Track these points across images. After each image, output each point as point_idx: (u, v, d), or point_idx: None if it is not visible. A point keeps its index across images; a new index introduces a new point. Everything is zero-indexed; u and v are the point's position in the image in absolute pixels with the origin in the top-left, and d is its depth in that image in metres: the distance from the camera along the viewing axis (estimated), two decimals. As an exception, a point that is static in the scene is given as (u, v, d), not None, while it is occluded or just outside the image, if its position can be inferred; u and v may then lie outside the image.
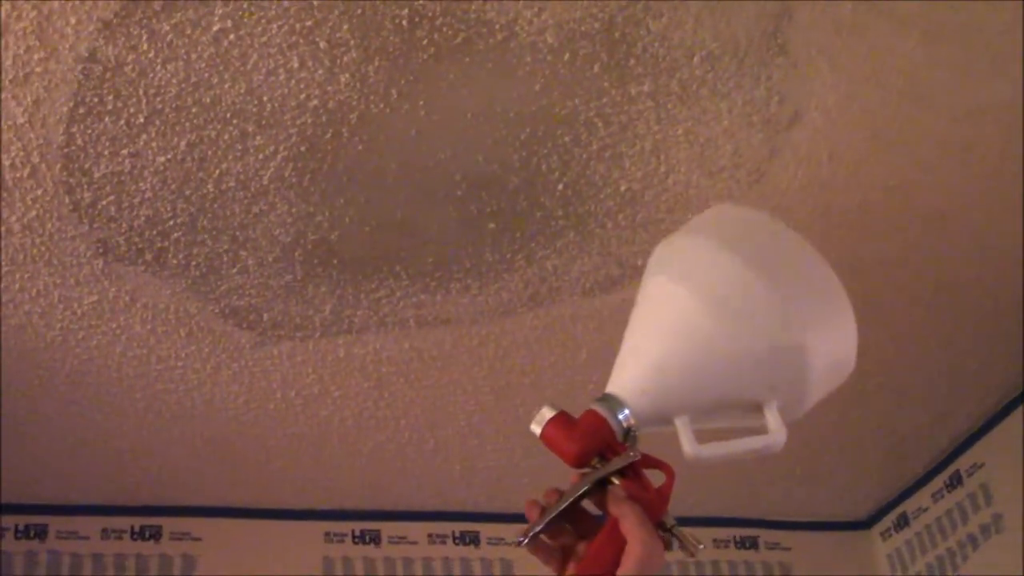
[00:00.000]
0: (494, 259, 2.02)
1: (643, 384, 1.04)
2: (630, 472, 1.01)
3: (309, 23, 1.52)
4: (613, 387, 1.06)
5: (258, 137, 1.69)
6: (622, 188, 1.89)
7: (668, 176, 1.88)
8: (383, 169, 1.78)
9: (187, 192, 1.77)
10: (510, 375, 2.33)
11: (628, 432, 1.03)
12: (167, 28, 1.50)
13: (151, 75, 1.56)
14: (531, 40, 1.59)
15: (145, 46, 1.52)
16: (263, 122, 1.66)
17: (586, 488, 1.01)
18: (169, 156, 1.70)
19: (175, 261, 1.90)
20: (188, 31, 1.51)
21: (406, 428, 2.44)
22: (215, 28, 1.51)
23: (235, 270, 1.95)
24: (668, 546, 1.01)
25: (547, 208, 1.92)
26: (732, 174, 1.89)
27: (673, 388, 1.04)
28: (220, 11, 1.49)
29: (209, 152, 1.70)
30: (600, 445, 1.02)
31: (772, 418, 1.03)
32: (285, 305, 2.05)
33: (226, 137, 1.68)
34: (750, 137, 1.83)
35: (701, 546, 1.01)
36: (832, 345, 1.05)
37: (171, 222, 1.82)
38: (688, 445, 1.02)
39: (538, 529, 1.00)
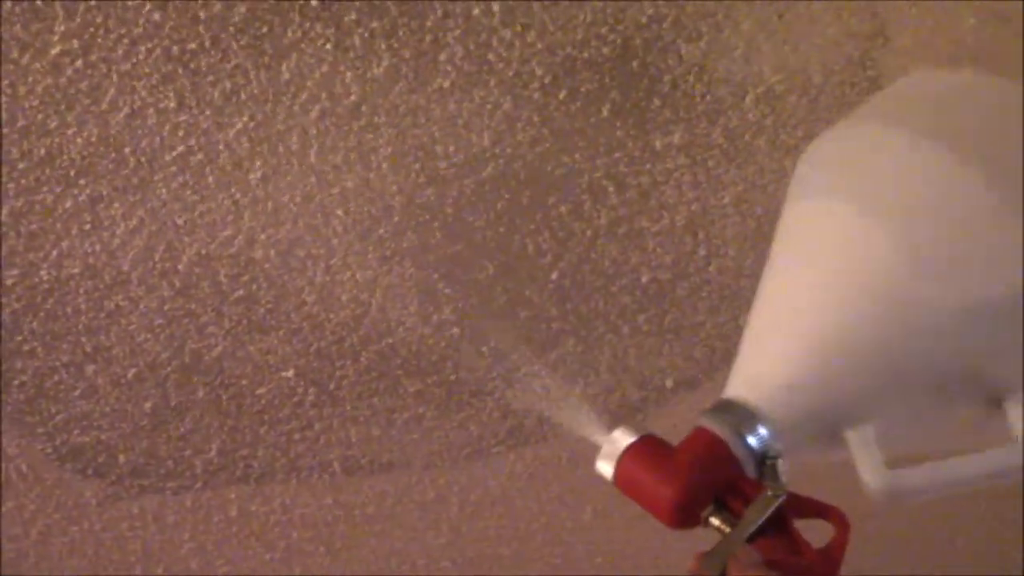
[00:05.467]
0: (457, 376, 2.02)
1: (791, 377, 0.94)
2: (772, 525, 0.90)
3: (191, 45, 1.54)
4: (735, 389, 0.96)
5: (115, 203, 1.70)
6: (643, 278, 1.90)
7: (710, 262, 1.89)
8: (296, 249, 1.80)
9: (8, 281, 1.77)
10: (480, 544, 2.31)
11: (764, 460, 0.92)
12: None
13: (-40, 116, 1.58)
14: (512, 72, 1.61)
15: (-48, 75, 1.54)
16: (121, 183, 1.67)
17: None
18: (-16, 230, 1.70)
19: (-11, 380, 1.90)
20: (15, 55, 1.52)
21: (327, 621, 2.42)
22: (54, 51, 1.53)
23: (77, 393, 1.94)
24: None
25: (534, 304, 1.93)
26: (803, 258, 1.91)
27: (849, 381, 0.93)
28: (62, 28, 1.51)
29: (43, 224, 1.70)
30: (717, 485, 0.92)
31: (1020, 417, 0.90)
32: (151, 443, 2.04)
33: (68, 204, 1.69)
34: (828, 207, 1.84)
35: None
36: None
37: (-15, 324, 1.82)
38: (873, 472, 0.90)
39: None
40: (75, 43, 1.53)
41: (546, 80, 1.63)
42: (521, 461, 2.19)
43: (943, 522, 2.64)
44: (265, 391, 2.00)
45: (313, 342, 1.92)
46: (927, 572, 2.79)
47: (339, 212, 1.74)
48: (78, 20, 1.51)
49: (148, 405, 1.99)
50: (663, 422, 2.16)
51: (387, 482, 2.18)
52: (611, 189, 1.78)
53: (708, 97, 1.68)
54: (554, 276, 1.89)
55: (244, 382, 1.98)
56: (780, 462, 0.92)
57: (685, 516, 0.91)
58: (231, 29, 1.52)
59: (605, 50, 1.61)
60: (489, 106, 1.65)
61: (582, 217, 1.81)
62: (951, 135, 0.94)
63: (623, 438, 0.97)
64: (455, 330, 1.95)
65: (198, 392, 1.98)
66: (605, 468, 0.96)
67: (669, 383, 2.07)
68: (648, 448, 0.95)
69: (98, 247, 1.75)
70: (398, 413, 2.06)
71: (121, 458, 2.06)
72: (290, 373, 1.97)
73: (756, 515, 0.89)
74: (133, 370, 1.93)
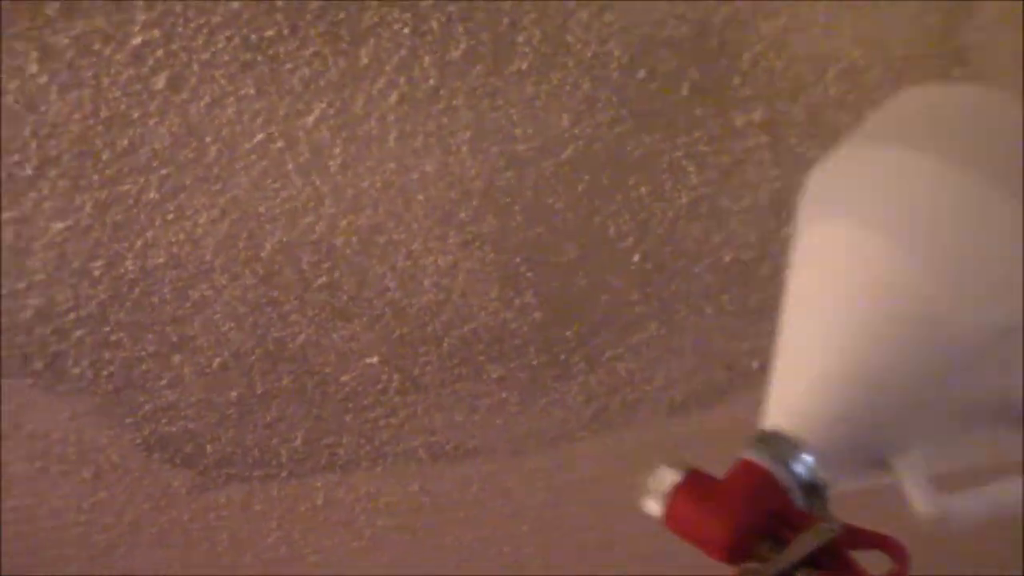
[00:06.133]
0: (540, 360, 2.03)
1: (831, 407, 0.92)
2: (827, 558, 0.88)
3: (269, 33, 1.55)
4: (774, 420, 0.95)
5: (197, 192, 1.72)
6: (726, 258, 1.90)
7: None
8: (377, 236, 1.81)
9: (95, 272, 1.80)
10: (566, 531, 2.32)
11: (813, 489, 0.91)
12: (66, 42, 1.54)
13: (44, 108, 1.60)
14: (590, 53, 1.61)
15: (35, 67, 1.56)
16: (202, 172, 1.69)
17: None
18: (69, 221, 1.73)
19: (77, 371, 1.93)
20: (97, 46, 1.55)
21: (414, 609, 2.44)
22: (135, 41, 1.55)
23: (164, 383, 1.97)
24: None
25: (616, 287, 1.93)
26: (889, 236, 1.89)
27: (890, 409, 0.92)
28: (143, 18, 1.53)
29: (128, 215, 1.73)
30: (768, 517, 0.90)
31: None
32: (237, 432, 2.06)
33: (152, 194, 1.71)
34: (914, 183, 1.83)
35: None
36: None
37: (71, 315, 1.85)
38: (925, 499, 0.89)
39: None
40: (156, 33, 1.55)
41: (624, 60, 1.63)
42: (606, 446, 2.20)
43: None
44: (349, 378, 2.01)
45: (396, 328, 1.94)
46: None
47: (419, 197, 1.75)
48: (158, 10, 1.52)
49: (234, 394, 2.01)
50: (748, 406, 2.15)
51: (472, 469, 2.19)
52: (691, 169, 1.77)
53: (788, 73, 1.67)
54: (635, 258, 1.89)
55: (328, 370, 1.99)
56: (827, 492, 0.91)
57: (738, 550, 0.90)
58: (308, 16, 1.53)
59: (683, 29, 1.61)
60: (568, 87, 1.65)
61: (663, 198, 1.81)
62: (975, 155, 0.94)
63: (669, 475, 0.94)
64: (537, 314, 1.95)
65: (283, 380, 2.00)
66: (654, 507, 0.94)
67: (755, 364, 2.07)
68: (696, 485, 0.93)
69: (181, 237, 1.77)
70: (482, 399, 2.07)
71: (208, 447, 2.09)
72: (374, 360, 1.99)
73: (805, 545, 0.87)
74: (218, 359, 1.95)
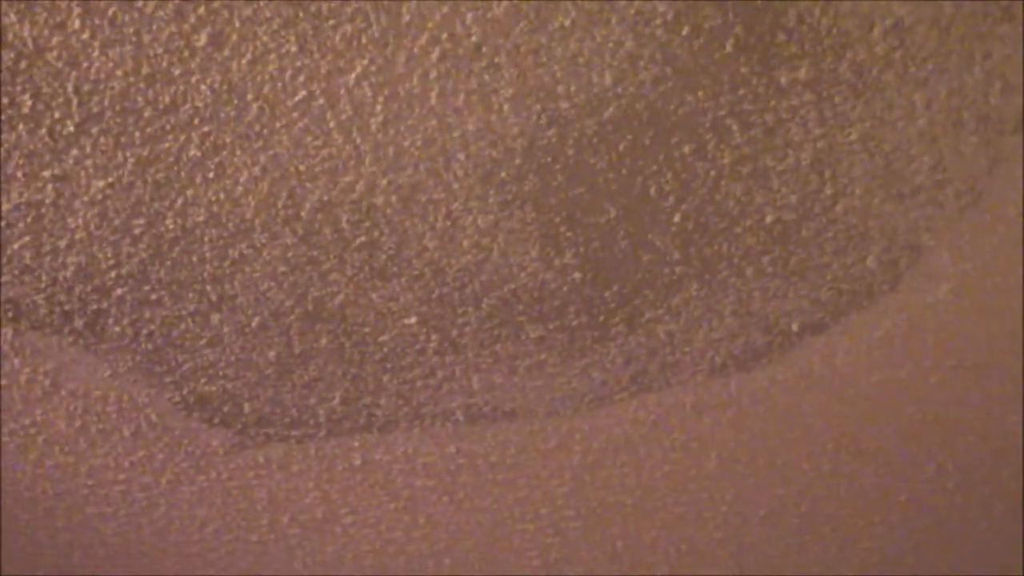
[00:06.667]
0: (580, 321, 2.02)
1: None
2: None
3: (311, -11, 1.56)
4: None
5: (238, 150, 1.72)
6: (768, 219, 1.89)
7: (836, 201, 1.87)
8: (417, 195, 1.81)
9: (136, 231, 1.81)
10: (604, 492, 2.32)
11: None
12: (109, -1, 1.55)
13: (86, 65, 1.60)
14: (633, 10, 1.61)
15: (77, 23, 1.56)
16: (243, 130, 1.69)
17: None
18: (111, 179, 1.73)
19: (117, 329, 1.94)
20: (139, 3, 1.55)
21: (453, 570, 2.44)
22: (177, -2, 1.55)
23: (203, 342, 1.98)
24: None
25: (657, 248, 1.92)
26: (932, 196, 1.88)
27: None
28: (184, -26, 1.53)
29: (169, 173, 1.73)
30: None
31: None
32: (275, 391, 2.07)
33: (193, 152, 1.71)
34: (959, 142, 1.81)
35: None
36: None
37: (112, 274, 1.86)
38: None
39: None
40: (197, -10, 1.55)
41: (668, 17, 1.62)
42: (644, 408, 2.19)
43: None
44: (388, 338, 2.02)
45: (435, 288, 1.94)
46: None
47: (460, 156, 1.75)
48: (200, -34, 1.53)
49: (272, 354, 2.02)
50: (788, 368, 2.15)
51: (510, 430, 2.19)
52: (735, 127, 1.77)
53: (834, 30, 1.66)
54: (677, 218, 1.88)
55: (367, 329, 2.00)
56: None
57: None
58: (351, -28, 1.53)
59: (728, -16, 1.60)
60: (611, 45, 1.65)
61: (705, 157, 1.80)
62: None
63: None
64: (577, 275, 1.95)
65: (321, 340, 2.01)
66: None
67: (795, 327, 2.06)
68: None
69: (222, 195, 1.77)
70: (520, 360, 2.08)
71: (246, 407, 2.10)
72: (412, 320, 1.99)
73: None
74: (257, 318, 1.96)
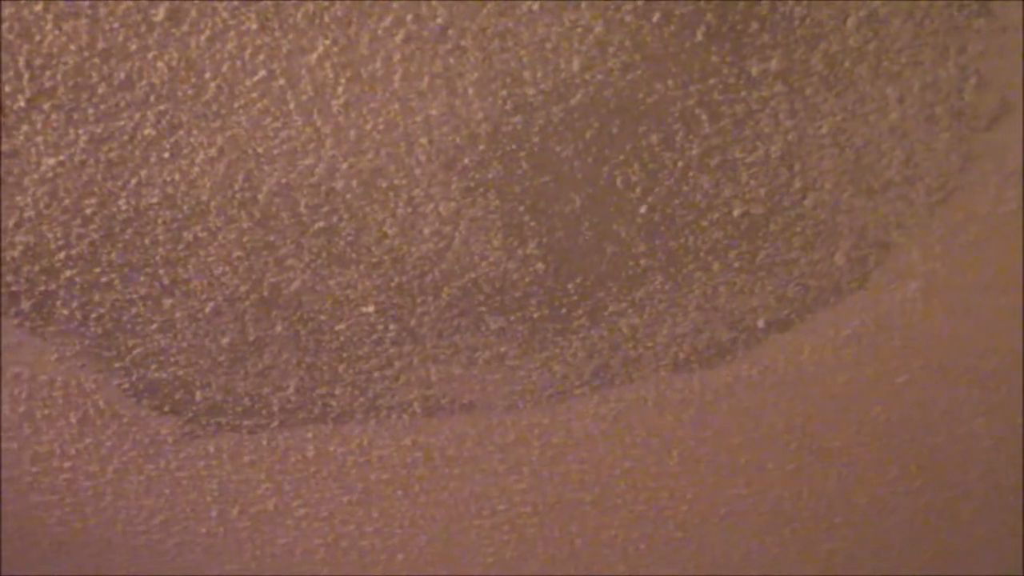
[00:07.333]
0: (542, 313, 2.01)
1: None
2: None
3: (273, -36, 1.53)
4: None
5: (194, 130, 1.69)
6: (735, 212, 1.88)
7: (805, 195, 1.86)
8: (378, 180, 1.79)
9: (87, 211, 1.78)
10: (562, 488, 2.31)
11: None
12: (63, -30, 1.52)
13: (38, 38, 1.57)
14: (603, -7, 1.59)
15: (30, -4, 1.54)
16: (201, 109, 1.67)
17: None
18: (62, 157, 1.70)
19: (65, 312, 1.91)
20: (94, -25, 1.53)
21: (407, 566, 2.43)
22: (134, -29, 1.53)
23: (155, 327, 1.95)
24: None
25: (622, 239, 1.91)
26: (903, 192, 1.88)
27: None
28: (142, -54, 1.51)
29: (122, 152, 1.70)
30: None
31: None
32: (228, 379, 2.05)
33: (148, 130, 1.68)
34: (931, 138, 1.81)
35: None
36: None
37: (61, 255, 1.83)
38: None
39: None
40: (155, -38, 1.53)
41: (639, 3, 1.61)
42: (605, 404, 2.19)
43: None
44: (344, 327, 1.99)
45: (394, 277, 1.92)
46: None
47: (423, 140, 1.72)
48: (159, -62, 1.50)
49: (225, 340, 1.99)
50: (752, 364, 2.14)
51: (467, 423, 2.18)
52: (704, 118, 1.75)
53: (807, 20, 1.65)
54: (643, 210, 1.87)
55: (323, 317, 1.97)
56: None
57: None
58: (314, -52, 1.51)
59: (701, -30, 1.59)
60: (579, 30, 1.63)
61: (673, 148, 1.79)
62: None
63: None
64: (540, 265, 1.93)
65: (276, 327, 1.98)
66: None
67: (761, 323, 2.06)
68: None
69: (177, 176, 1.75)
70: (480, 351, 2.06)
71: (198, 395, 2.07)
72: (370, 309, 1.97)
73: None
74: (211, 304, 1.93)
